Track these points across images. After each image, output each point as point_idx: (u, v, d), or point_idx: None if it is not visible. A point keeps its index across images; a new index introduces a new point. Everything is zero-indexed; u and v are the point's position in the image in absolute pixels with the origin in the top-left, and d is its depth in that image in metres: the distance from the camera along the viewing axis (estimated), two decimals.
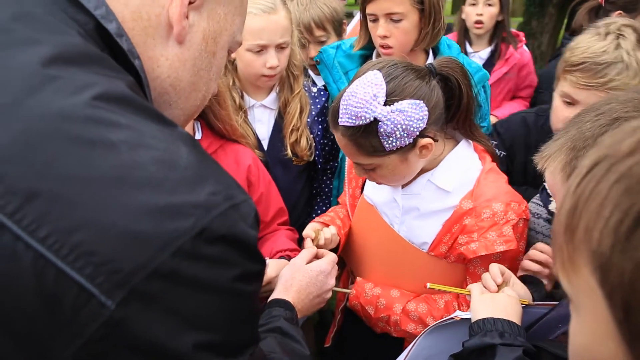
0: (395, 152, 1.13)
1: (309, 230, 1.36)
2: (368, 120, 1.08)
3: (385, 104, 1.08)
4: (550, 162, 0.88)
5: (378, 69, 1.12)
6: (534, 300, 1.13)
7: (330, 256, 1.27)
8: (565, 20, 9.46)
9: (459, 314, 1.09)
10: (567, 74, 1.33)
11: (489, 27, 2.75)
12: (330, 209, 1.59)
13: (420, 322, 1.30)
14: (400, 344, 1.37)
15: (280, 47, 1.66)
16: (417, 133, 1.11)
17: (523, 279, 1.20)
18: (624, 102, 0.81)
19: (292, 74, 1.76)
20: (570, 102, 1.36)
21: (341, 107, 1.12)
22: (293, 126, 1.74)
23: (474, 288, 1.10)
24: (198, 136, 1.48)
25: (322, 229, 1.38)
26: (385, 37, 1.66)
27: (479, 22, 2.73)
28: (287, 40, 1.67)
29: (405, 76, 1.11)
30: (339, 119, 1.12)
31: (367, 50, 1.86)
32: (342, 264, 1.51)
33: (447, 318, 1.10)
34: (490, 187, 1.22)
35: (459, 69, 1.17)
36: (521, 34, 3.08)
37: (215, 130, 1.52)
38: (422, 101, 1.09)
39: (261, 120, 1.78)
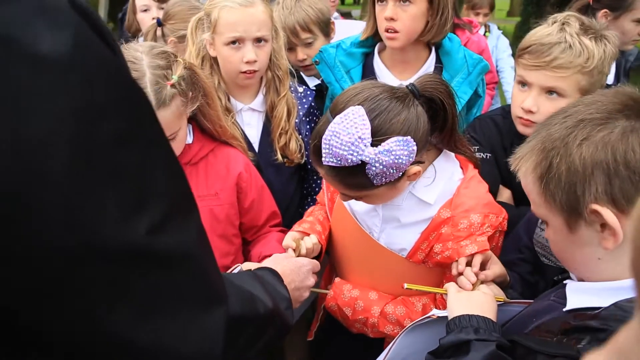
0: (385, 185, 1.12)
1: (289, 240, 1.36)
2: (355, 163, 1.05)
3: (372, 145, 1.04)
4: (522, 163, 0.90)
5: (359, 104, 1.06)
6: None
7: (313, 260, 1.29)
8: None
9: (436, 312, 1.11)
10: (519, 58, 1.47)
11: None
12: (308, 211, 1.58)
13: (398, 324, 1.32)
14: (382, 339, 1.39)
15: (257, 42, 1.66)
16: (407, 167, 1.09)
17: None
18: (588, 105, 0.84)
19: (278, 77, 1.76)
20: (524, 84, 1.47)
21: (324, 147, 1.07)
22: (281, 129, 1.74)
23: (450, 287, 1.12)
24: (190, 140, 1.48)
25: (302, 239, 1.38)
26: (392, 19, 1.64)
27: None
28: (265, 35, 1.66)
29: (390, 109, 1.06)
30: (323, 159, 1.08)
31: (369, 48, 1.85)
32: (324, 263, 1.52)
33: (424, 317, 1.12)
34: (470, 198, 1.23)
35: (443, 89, 1.14)
36: (475, 21, 3.15)
37: (207, 133, 1.53)
38: (409, 137, 1.05)
39: (250, 123, 1.78)
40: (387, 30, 1.68)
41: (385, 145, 1.03)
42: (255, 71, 1.67)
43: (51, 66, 0.44)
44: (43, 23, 0.44)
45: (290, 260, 1.22)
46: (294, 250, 1.33)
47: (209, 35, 1.66)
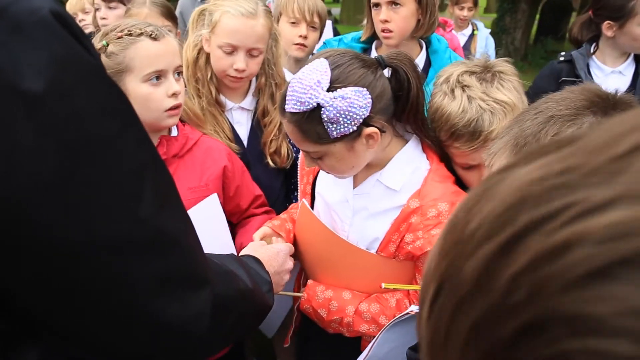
0: (341, 140, 1.13)
1: (260, 234, 1.40)
2: (311, 105, 1.08)
3: (328, 90, 1.08)
4: (496, 159, 0.91)
5: (325, 57, 1.12)
6: None
7: (289, 244, 1.34)
8: (538, 16, 9.65)
9: (414, 308, 1.10)
10: (448, 147, 1.32)
11: None
12: (287, 209, 1.61)
13: (373, 322, 1.30)
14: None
15: (251, 53, 1.68)
16: (361, 121, 1.11)
17: None
18: (558, 101, 0.85)
19: (275, 84, 1.81)
20: (472, 166, 1.32)
21: (288, 93, 1.13)
22: (273, 136, 1.80)
23: None
24: (174, 133, 1.51)
25: (271, 237, 1.41)
26: (386, 21, 1.86)
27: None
28: (260, 48, 1.69)
29: (351, 64, 1.11)
30: (286, 105, 1.13)
31: (368, 44, 2.05)
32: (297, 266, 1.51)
33: (403, 314, 1.12)
34: (437, 187, 1.24)
35: (407, 62, 1.18)
36: (450, 21, 3.16)
37: (188, 123, 1.56)
38: (365, 89, 1.09)
39: (240, 121, 1.82)
40: (383, 31, 1.89)
41: (340, 92, 1.08)
42: (242, 78, 1.71)
43: (32, 95, 0.46)
44: (19, 44, 0.45)
45: (266, 247, 1.25)
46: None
47: (207, 32, 1.68)
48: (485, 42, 3.95)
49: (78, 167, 0.51)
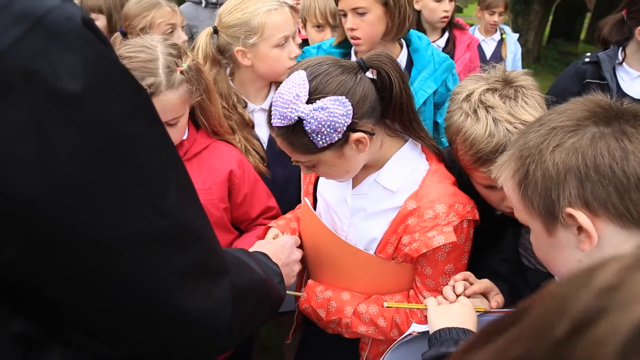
0: (329, 149, 1.13)
1: (270, 236, 1.41)
2: (293, 119, 1.09)
3: (308, 102, 1.08)
4: (502, 171, 0.92)
5: (303, 69, 1.13)
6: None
7: (293, 236, 1.36)
8: (551, 18, 9.54)
9: (416, 328, 1.11)
10: (474, 171, 1.26)
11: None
12: (293, 209, 1.61)
13: (371, 324, 1.30)
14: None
15: (293, 38, 1.76)
16: (345, 128, 1.10)
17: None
18: (560, 113, 0.86)
19: None
20: (493, 186, 1.26)
21: (272, 108, 1.14)
22: None
23: (429, 301, 1.13)
24: (184, 136, 1.51)
25: (279, 236, 1.41)
26: (352, 29, 1.84)
27: (446, 17, 2.84)
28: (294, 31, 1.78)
29: (328, 73, 1.11)
30: (272, 120, 1.14)
31: (347, 49, 2.00)
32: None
33: (405, 335, 1.12)
34: (435, 188, 1.22)
35: (388, 62, 1.16)
36: (461, 20, 3.18)
37: (202, 130, 1.57)
38: (344, 96, 1.09)
39: (260, 123, 1.83)
40: (352, 38, 1.88)
41: (319, 103, 1.08)
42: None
43: (70, 96, 0.49)
44: (57, 50, 0.48)
45: (271, 243, 1.27)
46: None
47: (251, 42, 1.68)
48: (514, 47, 3.87)
49: (110, 165, 0.53)
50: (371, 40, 1.85)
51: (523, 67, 7.74)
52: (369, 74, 1.16)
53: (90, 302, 0.57)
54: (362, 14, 1.80)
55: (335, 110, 1.07)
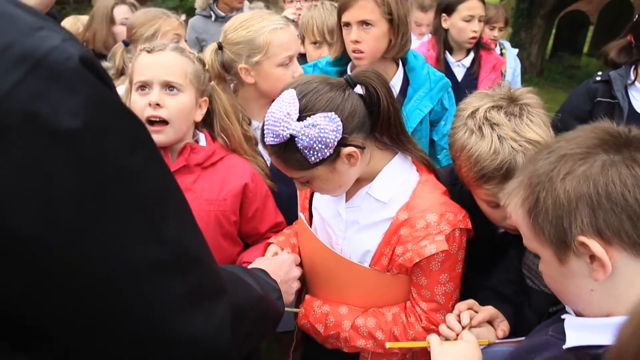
0: (321, 164, 1.15)
1: (270, 253, 1.42)
2: (285, 137, 1.11)
3: (298, 120, 1.10)
4: (511, 198, 0.91)
5: (293, 88, 1.15)
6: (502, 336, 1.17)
7: (292, 253, 1.37)
8: (554, 31, 9.57)
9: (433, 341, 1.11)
10: (477, 188, 1.25)
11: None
12: (292, 224, 1.62)
13: (370, 337, 1.30)
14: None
15: (296, 58, 1.77)
16: (336, 143, 1.12)
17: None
18: (569, 141, 0.86)
19: None
20: (497, 204, 1.25)
21: (264, 127, 1.16)
22: None
23: (432, 339, 1.13)
24: (202, 143, 1.55)
25: (278, 251, 1.42)
26: (357, 42, 1.81)
27: (474, 37, 2.77)
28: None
29: (317, 91, 1.13)
30: (265, 139, 1.16)
31: (343, 67, 1.99)
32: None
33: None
34: (426, 199, 1.23)
35: (375, 77, 1.18)
36: (485, 38, 3.15)
37: (219, 142, 1.60)
38: (333, 112, 1.11)
39: None
40: (354, 51, 1.84)
41: (310, 120, 1.10)
42: None
43: (70, 135, 0.50)
44: (58, 90, 0.49)
45: (270, 260, 1.28)
46: None
47: (254, 60, 1.69)
48: (514, 62, 3.87)
49: (111, 200, 0.53)
50: (374, 55, 1.84)
51: (526, 80, 7.76)
52: (357, 90, 1.18)
53: (93, 333, 0.57)
54: (368, 27, 1.79)
55: (325, 126, 1.09)
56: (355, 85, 1.17)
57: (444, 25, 2.79)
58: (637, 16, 2.13)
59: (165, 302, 0.60)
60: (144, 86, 1.42)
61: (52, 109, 0.48)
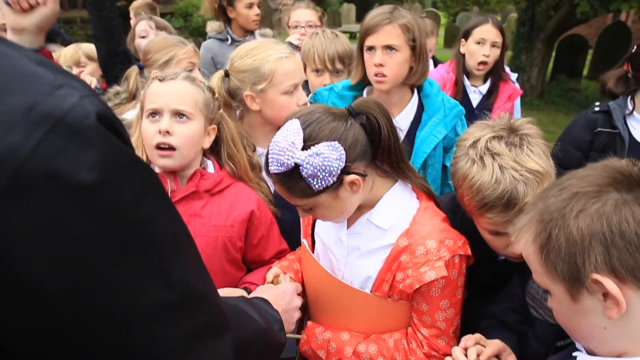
0: (325, 192, 1.17)
1: (270, 276, 1.44)
2: (290, 166, 1.13)
3: (303, 149, 1.13)
4: (522, 234, 0.91)
5: (297, 118, 1.18)
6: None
7: (294, 282, 1.37)
8: (553, 54, 9.68)
9: None
10: (479, 217, 1.28)
11: (490, 68, 2.82)
12: (295, 250, 1.63)
13: None
14: None
15: (302, 86, 1.79)
16: (339, 171, 1.15)
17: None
18: (581, 179, 0.87)
19: None
20: (499, 232, 1.29)
21: (269, 156, 1.19)
22: None
23: None
24: (211, 170, 1.58)
25: (280, 275, 1.43)
26: (381, 65, 1.84)
27: (483, 62, 2.78)
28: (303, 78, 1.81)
29: (321, 121, 1.16)
30: (269, 167, 1.19)
31: (359, 91, 2.03)
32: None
33: None
34: (425, 226, 1.25)
35: (376, 107, 1.21)
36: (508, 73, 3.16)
37: (226, 169, 1.63)
38: (337, 142, 1.13)
39: None
40: (376, 75, 1.86)
41: (314, 149, 1.13)
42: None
43: (87, 188, 0.52)
44: (76, 147, 0.51)
45: (272, 288, 1.29)
46: (272, 283, 1.39)
47: (259, 87, 1.71)
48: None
49: (124, 248, 0.55)
50: (395, 81, 1.87)
51: (526, 103, 7.81)
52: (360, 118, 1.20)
53: None
54: (392, 52, 1.82)
55: (329, 155, 1.12)
56: (357, 115, 1.20)
57: (462, 50, 2.84)
58: (635, 47, 2.15)
59: (172, 342, 0.61)
60: (154, 113, 1.46)
61: (70, 165, 0.50)
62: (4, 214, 0.47)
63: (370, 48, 1.87)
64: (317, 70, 2.38)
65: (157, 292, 0.59)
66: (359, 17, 17.17)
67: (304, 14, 3.00)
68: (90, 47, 2.95)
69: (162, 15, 4.44)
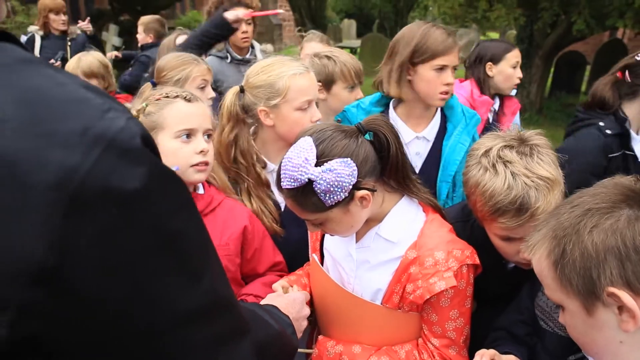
0: (336, 206, 1.21)
1: (278, 287, 1.44)
2: (303, 181, 1.17)
3: (316, 165, 1.17)
4: (535, 250, 0.94)
5: (309, 135, 1.22)
6: None
7: (304, 291, 1.39)
8: (552, 70, 9.79)
9: None
10: (492, 222, 1.32)
11: None
12: (303, 266, 1.65)
13: None
14: None
15: (316, 103, 1.82)
16: (351, 187, 1.18)
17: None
18: (593, 196, 0.89)
19: None
20: (510, 238, 1.33)
21: (282, 172, 1.22)
22: None
23: None
24: (201, 191, 1.59)
25: (288, 288, 1.44)
26: (450, 84, 1.94)
27: (517, 84, 2.98)
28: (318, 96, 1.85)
29: (333, 138, 1.20)
30: (282, 183, 1.22)
31: (383, 107, 2.11)
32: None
33: None
34: (433, 237, 1.29)
35: (384, 125, 1.25)
36: None
37: (214, 186, 1.64)
38: (349, 158, 1.17)
39: None
40: (443, 93, 1.94)
41: (327, 165, 1.16)
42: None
43: (137, 202, 0.56)
44: (126, 165, 0.55)
45: (282, 297, 1.31)
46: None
47: (273, 102, 1.74)
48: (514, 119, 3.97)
49: (161, 258, 0.59)
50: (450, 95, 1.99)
51: (526, 119, 7.85)
52: (368, 135, 1.25)
53: None
54: (453, 72, 1.94)
55: (342, 171, 1.16)
56: (366, 132, 1.24)
57: (490, 73, 2.94)
58: (636, 57, 2.13)
59: (201, 346, 0.64)
60: (189, 134, 1.49)
61: (122, 182, 0.54)
62: (66, 230, 0.51)
63: (442, 68, 1.92)
64: (351, 87, 2.38)
65: (191, 300, 0.62)
66: (360, 33, 17.33)
67: (317, 48, 3.06)
68: (89, 63, 3.06)
69: None
